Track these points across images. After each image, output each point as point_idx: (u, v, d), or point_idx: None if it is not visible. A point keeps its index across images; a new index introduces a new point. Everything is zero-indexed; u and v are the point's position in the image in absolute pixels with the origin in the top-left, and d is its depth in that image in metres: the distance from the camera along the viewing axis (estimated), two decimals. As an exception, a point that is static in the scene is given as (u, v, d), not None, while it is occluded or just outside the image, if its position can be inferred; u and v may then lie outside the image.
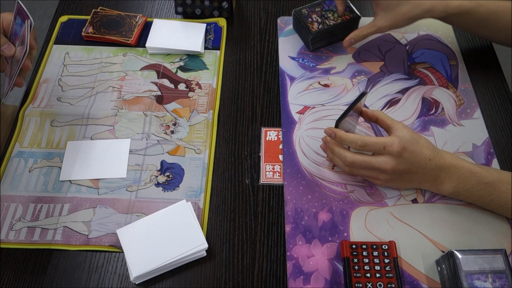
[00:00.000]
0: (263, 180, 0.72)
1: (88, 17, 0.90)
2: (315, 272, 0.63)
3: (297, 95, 0.81)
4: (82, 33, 0.88)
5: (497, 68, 0.85)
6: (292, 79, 0.83)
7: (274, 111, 0.80)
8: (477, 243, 0.65)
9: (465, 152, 0.74)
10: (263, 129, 0.77)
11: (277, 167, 0.73)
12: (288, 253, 0.65)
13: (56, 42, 0.88)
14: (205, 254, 0.65)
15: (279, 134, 0.77)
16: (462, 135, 0.76)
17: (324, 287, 0.62)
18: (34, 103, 0.80)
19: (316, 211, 0.68)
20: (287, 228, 0.67)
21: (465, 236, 0.66)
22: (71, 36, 0.89)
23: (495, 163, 0.73)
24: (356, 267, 0.61)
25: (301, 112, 0.79)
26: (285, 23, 0.92)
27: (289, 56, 0.86)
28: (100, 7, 0.92)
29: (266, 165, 0.74)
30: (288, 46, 0.88)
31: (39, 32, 1.85)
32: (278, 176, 0.72)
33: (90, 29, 0.88)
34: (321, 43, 0.86)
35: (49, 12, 2.01)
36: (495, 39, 0.81)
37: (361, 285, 0.59)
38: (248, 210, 0.69)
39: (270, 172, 0.73)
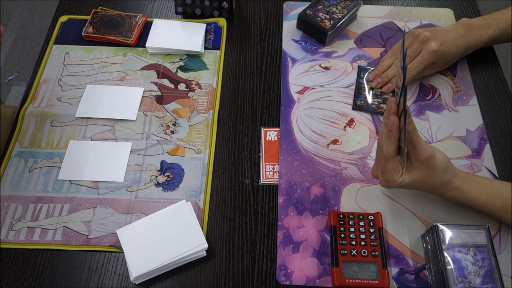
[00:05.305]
0: (263, 180, 0.72)
1: (88, 17, 0.90)
2: (304, 242, 0.66)
3: (297, 76, 0.83)
4: (82, 33, 0.88)
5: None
6: (294, 60, 0.86)
7: (274, 111, 0.80)
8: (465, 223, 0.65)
9: (459, 137, 0.75)
10: (263, 129, 0.77)
11: (277, 167, 0.73)
12: (279, 223, 0.67)
13: (56, 42, 0.88)
14: (205, 254, 0.65)
15: (279, 134, 0.77)
16: (456, 121, 0.78)
17: (312, 256, 0.64)
18: (34, 103, 0.80)
19: (309, 185, 0.71)
20: (280, 199, 0.69)
21: (454, 216, 0.67)
22: (71, 36, 0.89)
23: (487, 148, 0.74)
24: (342, 235, 0.63)
25: (300, 92, 0.81)
26: (291, 8, 0.94)
27: (292, 39, 0.89)
28: (100, 7, 0.92)
29: (266, 165, 0.74)
30: (292, 29, 0.90)
31: (39, 32, 1.85)
32: (278, 176, 0.72)
33: (90, 29, 0.88)
34: (333, 36, 0.88)
35: (49, 12, 2.00)
36: None
37: (346, 251, 0.62)
38: (248, 210, 0.69)
39: (270, 172, 0.73)
